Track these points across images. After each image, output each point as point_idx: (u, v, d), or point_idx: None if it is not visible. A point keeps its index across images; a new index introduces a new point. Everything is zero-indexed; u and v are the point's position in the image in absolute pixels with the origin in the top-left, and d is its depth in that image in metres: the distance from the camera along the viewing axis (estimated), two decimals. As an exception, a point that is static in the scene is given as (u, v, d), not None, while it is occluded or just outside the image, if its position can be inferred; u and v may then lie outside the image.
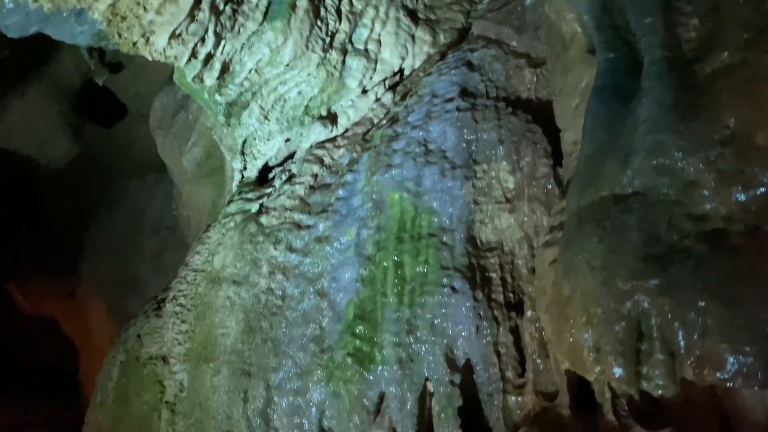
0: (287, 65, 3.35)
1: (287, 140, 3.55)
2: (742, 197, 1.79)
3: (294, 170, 3.40)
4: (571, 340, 1.87)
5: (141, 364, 3.30)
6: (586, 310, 1.84)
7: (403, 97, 3.44)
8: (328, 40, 3.39)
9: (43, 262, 7.47)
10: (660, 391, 1.77)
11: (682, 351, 1.73)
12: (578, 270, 1.88)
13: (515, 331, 2.67)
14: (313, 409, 2.88)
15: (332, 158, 3.37)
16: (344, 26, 3.43)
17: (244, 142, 3.55)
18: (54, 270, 7.41)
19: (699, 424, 2.37)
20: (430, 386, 2.73)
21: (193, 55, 3.21)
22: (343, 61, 3.44)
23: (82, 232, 7.00)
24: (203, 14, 3.12)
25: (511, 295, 2.75)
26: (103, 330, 6.36)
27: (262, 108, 3.47)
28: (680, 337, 1.73)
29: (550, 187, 2.72)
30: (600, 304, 1.80)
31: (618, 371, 1.79)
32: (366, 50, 3.49)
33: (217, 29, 3.19)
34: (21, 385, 7.12)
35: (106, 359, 3.66)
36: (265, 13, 3.28)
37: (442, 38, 3.59)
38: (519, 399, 2.53)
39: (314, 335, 2.97)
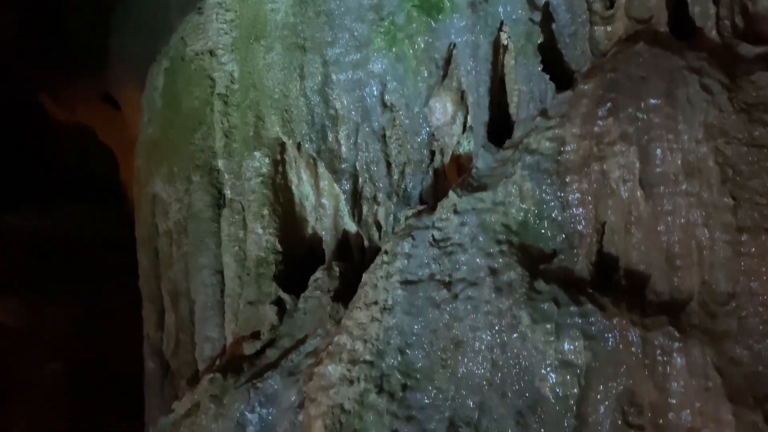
0: None
1: None
2: None
3: None
4: None
5: (187, 62, 3.12)
6: None
7: None
8: None
9: (72, 63, 7.28)
10: None
11: None
12: None
13: (605, -41, 2.37)
14: (374, 81, 2.71)
15: None
16: None
17: None
18: (84, 69, 7.23)
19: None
20: (504, 37, 2.51)
21: None
22: None
23: (106, 23, 6.69)
24: None
25: (600, -75, 2.40)
26: (138, 116, 6.28)
27: None
28: None
29: None
30: None
31: None
32: None
33: None
34: (64, 192, 7.27)
35: (149, 78, 3.51)
36: None
37: None
38: (608, 28, 2.29)
39: (372, 4, 2.70)
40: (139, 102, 6.92)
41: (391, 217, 2.92)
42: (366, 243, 2.99)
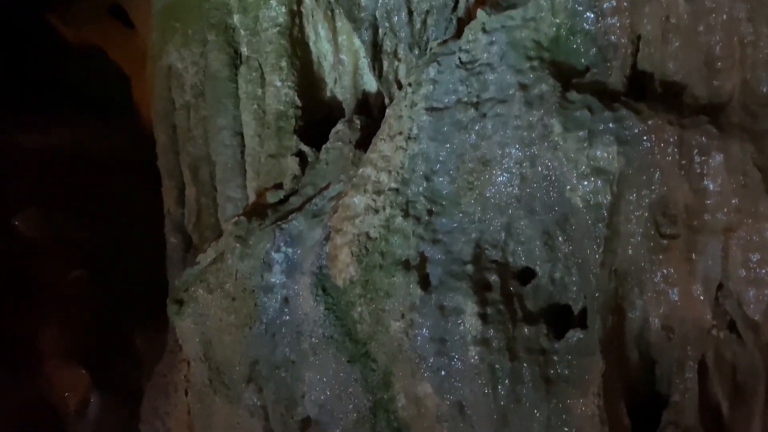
0: None
1: None
2: None
3: None
4: None
5: None
6: None
7: None
8: None
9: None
10: None
11: None
12: None
13: None
14: None
15: None
16: None
17: None
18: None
19: None
20: None
21: None
22: None
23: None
24: None
25: None
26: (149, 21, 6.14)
27: None
28: None
29: None
30: None
31: None
32: None
33: None
34: (77, 112, 7.22)
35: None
36: None
37: None
38: None
39: None
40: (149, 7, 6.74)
41: (412, 73, 2.84)
42: (387, 101, 2.92)
